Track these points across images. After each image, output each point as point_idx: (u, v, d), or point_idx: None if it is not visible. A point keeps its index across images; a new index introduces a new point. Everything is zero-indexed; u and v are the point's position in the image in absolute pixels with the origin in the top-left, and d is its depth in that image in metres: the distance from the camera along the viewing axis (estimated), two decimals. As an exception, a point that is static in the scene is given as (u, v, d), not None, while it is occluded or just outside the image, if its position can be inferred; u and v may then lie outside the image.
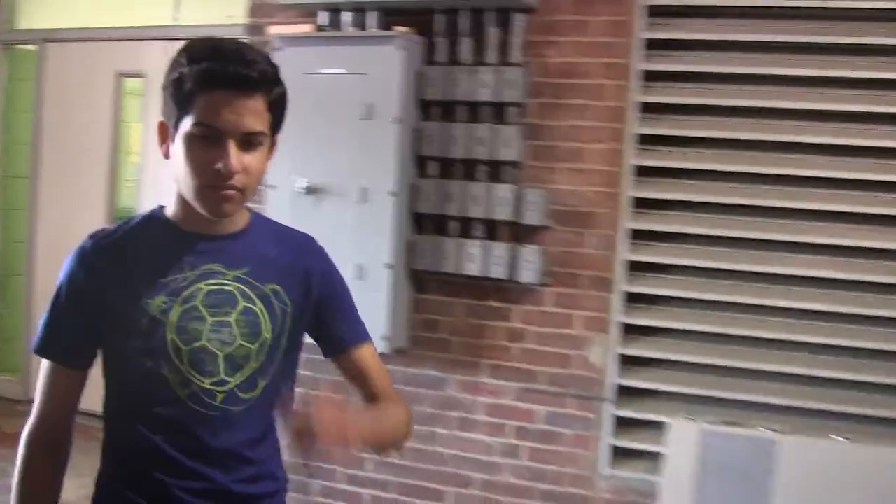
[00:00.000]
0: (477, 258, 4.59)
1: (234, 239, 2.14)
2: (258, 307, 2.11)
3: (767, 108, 4.30)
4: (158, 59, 6.77)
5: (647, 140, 4.47)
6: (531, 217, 4.53)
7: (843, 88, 4.20)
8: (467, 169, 4.70)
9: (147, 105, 7.11)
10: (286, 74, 4.63)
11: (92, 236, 2.15)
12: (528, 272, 4.53)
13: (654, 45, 4.46)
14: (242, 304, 2.10)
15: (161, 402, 2.05)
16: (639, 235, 4.49)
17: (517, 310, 4.68)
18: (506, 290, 4.68)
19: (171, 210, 2.15)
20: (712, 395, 4.38)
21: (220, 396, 2.07)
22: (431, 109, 4.75)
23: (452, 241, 4.67)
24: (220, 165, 1.94)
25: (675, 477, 4.16)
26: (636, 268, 4.51)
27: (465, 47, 4.67)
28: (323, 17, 4.89)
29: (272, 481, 2.25)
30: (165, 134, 2.06)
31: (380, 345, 4.46)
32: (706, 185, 4.39)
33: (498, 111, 4.62)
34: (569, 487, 4.64)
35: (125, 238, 2.15)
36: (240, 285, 2.11)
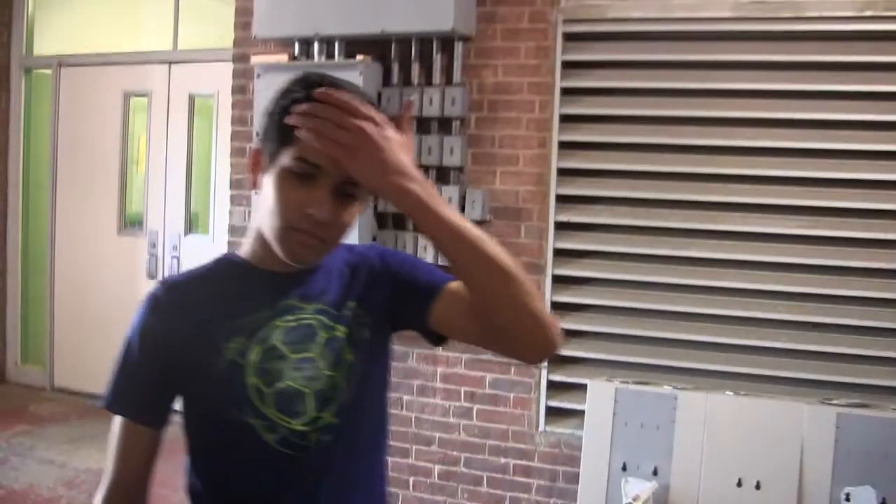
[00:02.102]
0: (430, 250, 5.19)
1: (312, 272, 1.98)
2: (339, 332, 1.95)
3: (667, 115, 5.06)
4: (160, 79, 7.54)
5: (568, 146, 5.21)
6: (474, 213, 5.20)
7: (728, 98, 4.98)
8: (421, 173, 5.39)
9: (152, 120, 7.72)
10: (267, 98, 5.39)
11: (162, 283, 2.01)
12: (473, 260, 5.24)
13: (571, 65, 5.21)
14: (324, 334, 1.94)
15: (248, 450, 1.89)
16: (564, 226, 5.22)
17: (465, 293, 5.36)
18: (455, 277, 5.35)
19: (245, 249, 2.00)
20: (627, 360, 5.12)
21: (313, 436, 1.90)
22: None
23: (409, 235, 5.34)
24: (311, 210, 1.78)
25: (595, 429, 4.88)
26: (562, 254, 5.24)
27: (416, 71, 5.35)
28: (297, 48, 5.54)
29: None
30: (258, 162, 1.91)
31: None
32: (619, 182, 5.13)
33: (444, 124, 5.31)
34: (513, 443, 5.34)
35: (197, 282, 2.01)
36: (319, 316, 1.95)
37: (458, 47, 5.30)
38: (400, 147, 1.71)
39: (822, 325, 4.85)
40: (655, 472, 4.71)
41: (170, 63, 7.64)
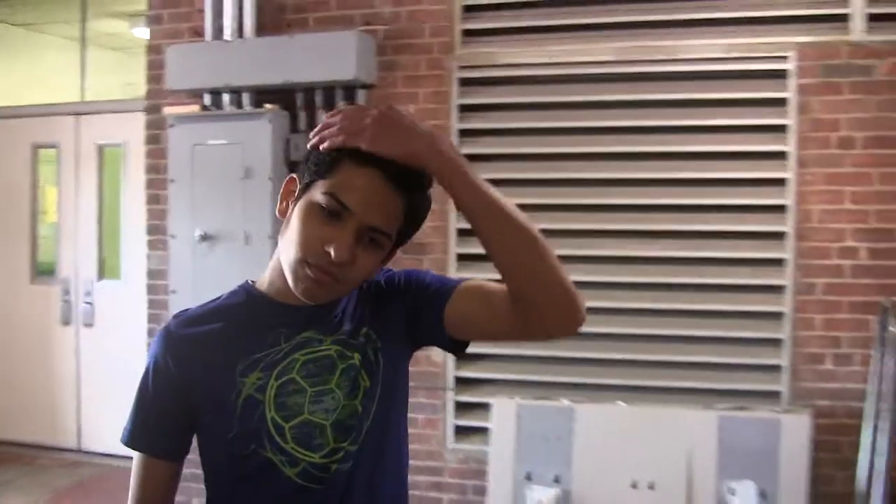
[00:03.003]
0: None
1: (331, 304, 1.95)
2: (355, 359, 1.93)
3: (557, 152, 5.49)
4: (69, 131, 7.69)
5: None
6: (380, 248, 5.56)
7: (612, 134, 5.44)
8: (328, 214, 5.74)
9: (61, 171, 7.89)
10: (180, 146, 5.62)
11: (176, 316, 2.00)
12: (381, 292, 5.60)
13: (467, 108, 5.63)
14: (341, 365, 1.91)
15: (269, 485, 1.88)
16: (465, 258, 5.61)
17: (374, 322, 5.71)
18: (364, 308, 5.70)
19: (264, 281, 1.99)
20: (528, 379, 5.52)
21: (333, 466, 1.88)
22: (298, 168, 5.70)
23: None
24: (330, 248, 1.77)
25: (500, 444, 5.25)
26: (464, 284, 5.61)
27: (321, 118, 5.65)
28: (207, 99, 5.83)
29: None
30: (290, 191, 1.90)
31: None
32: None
33: None
34: (424, 461, 5.66)
35: (212, 316, 1.99)
36: (337, 346, 1.93)
37: (361, 94, 5.66)
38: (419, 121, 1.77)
39: (704, 338, 5.31)
40: (557, 480, 5.08)
41: (77, 114, 7.82)
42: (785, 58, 5.21)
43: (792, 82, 5.19)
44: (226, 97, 5.82)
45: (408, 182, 1.80)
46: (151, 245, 6.25)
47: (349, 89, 5.66)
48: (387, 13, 5.75)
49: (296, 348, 1.92)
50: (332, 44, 5.57)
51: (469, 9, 5.69)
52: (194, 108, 5.86)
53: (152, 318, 6.22)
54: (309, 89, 5.71)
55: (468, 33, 5.70)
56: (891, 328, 4.30)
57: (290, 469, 1.87)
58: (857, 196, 5.12)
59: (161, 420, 1.95)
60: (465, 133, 5.63)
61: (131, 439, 1.98)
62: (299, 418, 1.87)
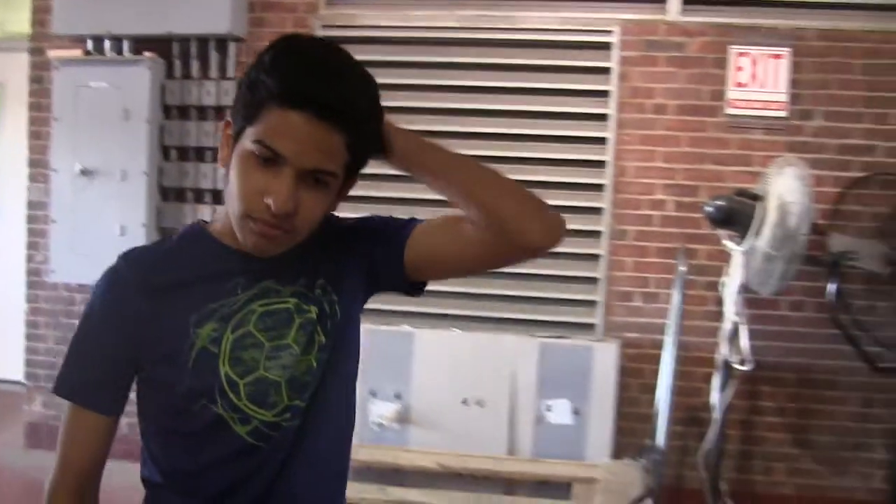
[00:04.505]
0: (208, 219, 6.03)
1: (291, 252, 1.78)
2: (312, 312, 1.82)
3: (409, 107, 5.96)
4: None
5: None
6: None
7: (458, 92, 6.06)
8: (198, 154, 6.21)
9: None
10: (64, 88, 6.07)
11: (124, 256, 1.82)
12: (246, 226, 6.12)
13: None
14: (298, 319, 1.80)
15: (217, 442, 1.77)
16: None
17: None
18: (230, 241, 6.19)
19: (219, 225, 1.84)
20: (375, 307, 5.99)
21: (284, 424, 1.78)
22: (172, 112, 6.22)
23: (189, 206, 6.19)
24: (269, 200, 1.63)
25: None
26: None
27: (195, 67, 6.19)
28: (90, 44, 6.23)
29: None
30: (228, 136, 1.74)
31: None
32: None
33: (219, 112, 6.12)
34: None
35: (164, 258, 1.84)
36: (295, 299, 1.81)
37: (232, 47, 6.17)
38: None
39: (530, 274, 5.90)
40: (398, 396, 5.65)
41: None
42: (610, 32, 5.88)
43: (615, 53, 5.87)
44: (108, 44, 6.20)
45: (344, 115, 1.64)
46: (33, 177, 6.63)
47: (221, 41, 6.17)
48: (258, -28, 6.23)
49: (254, 298, 1.80)
50: (208, -1, 6.07)
51: (333, -27, 6.19)
52: (78, 53, 6.24)
53: (31, 245, 6.63)
54: (185, 40, 6.18)
55: (332, -5, 6.23)
56: (679, 268, 5.04)
57: (241, 427, 1.76)
58: (668, 156, 5.83)
59: (101, 369, 1.79)
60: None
61: (64, 388, 1.81)
62: (254, 374, 1.76)
